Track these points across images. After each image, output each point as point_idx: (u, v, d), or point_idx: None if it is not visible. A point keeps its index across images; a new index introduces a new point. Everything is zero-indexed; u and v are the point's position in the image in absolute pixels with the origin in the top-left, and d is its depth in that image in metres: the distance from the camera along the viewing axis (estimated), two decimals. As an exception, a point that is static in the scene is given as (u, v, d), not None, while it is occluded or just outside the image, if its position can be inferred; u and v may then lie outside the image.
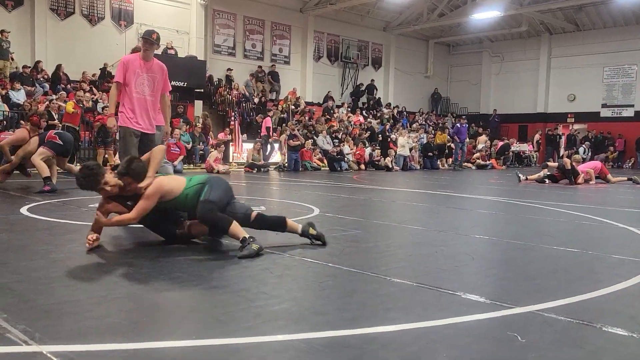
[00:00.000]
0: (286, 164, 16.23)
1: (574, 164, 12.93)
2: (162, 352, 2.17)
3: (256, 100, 20.60)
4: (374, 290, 3.12)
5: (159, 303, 2.88)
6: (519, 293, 3.15)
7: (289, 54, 23.44)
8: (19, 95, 14.16)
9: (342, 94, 25.20)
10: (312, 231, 4.36)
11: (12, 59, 15.53)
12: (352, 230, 5.24)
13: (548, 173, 13.42)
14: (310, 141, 17.47)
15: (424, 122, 25.36)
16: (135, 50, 6.28)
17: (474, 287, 3.25)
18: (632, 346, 2.36)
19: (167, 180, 4.21)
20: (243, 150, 17.13)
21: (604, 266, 3.95)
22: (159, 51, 17.20)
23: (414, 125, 23.68)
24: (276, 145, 17.27)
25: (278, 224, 4.36)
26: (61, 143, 8.16)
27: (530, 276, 3.59)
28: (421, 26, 26.05)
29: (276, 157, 17.11)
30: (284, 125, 18.34)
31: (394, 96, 26.86)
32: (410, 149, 19.10)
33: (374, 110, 24.56)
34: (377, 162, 18.49)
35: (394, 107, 25.24)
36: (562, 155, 17.00)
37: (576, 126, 26.40)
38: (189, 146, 15.25)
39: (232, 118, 17.96)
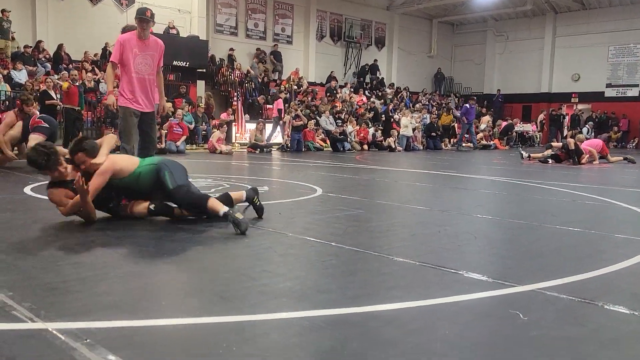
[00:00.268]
0: (289, 145, 16.20)
1: (577, 143, 12.88)
2: (167, 329, 2.19)
3: (259, 80, 20.49)
4: (376, 269, 3.13)
5: (163, 281, 2.91)
6: (522, 272, 3.16)
7: (292, 34, 23.24)
8: (20, 75, 14.13)
9: (344, 74, 25.03)
10: (255, 200, 4.50)
11: (13, 39, 15.45)
12: (355, 210, 5.24)
13: (552, 153, 13.39)
14: (313, 121, 17.41)
15: (427, 103, 25.23)
16: (126, 30, 6.25)
17: (477, 266, 3.26)
18: (633, 324, 2.37)
19: (120, 159, 4.33)
20: (246, 130, 17.09)
21: (606, 245, 3.96)
22: (160, 30, 17.13)
23: (417, 106, 23.55)
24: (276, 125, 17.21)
25: (229, 201, 4.37)
26: (47, 126, 8.46)
27: (533, 255, 3.60)
28: (425, 5, 25.76)
29: (279, 137, 17.07)
30: (286, 105, 18.26)
31: (397, 76, 26.69)
32: (413, 130, 19.03)
33: (377, 91, 24.42)
34: (379, 143, 18.45)
35: (396, 88, 25.08)
36: (566, 136, 16.94)
37: (580, 106, 26.22)
38: (192, 126, 15.22)
39: (235, 98, 17.89)
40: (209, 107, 17.21)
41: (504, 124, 23.20)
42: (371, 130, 18.82)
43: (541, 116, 25.64)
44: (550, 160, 13.11)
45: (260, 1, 22.06)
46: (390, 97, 23.52)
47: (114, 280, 2.79)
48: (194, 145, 15.35)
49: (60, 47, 16.15)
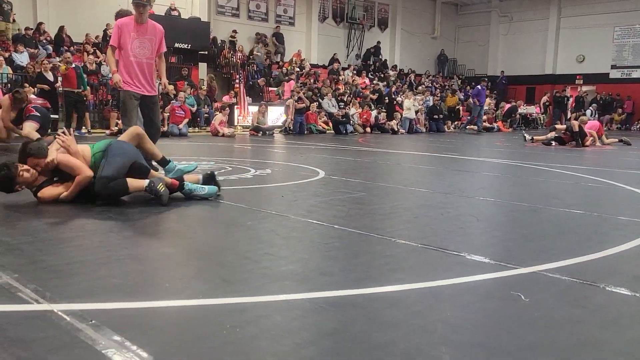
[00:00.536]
0: (291, 127, 16.13)
1: (581, 125, 12.83)
2: (171, 310, 2.20)
3: (264, 64, 20.36)
4: (379, 251, 3.15)
5: (166, 264, 2.92)
6: (524, 254, 3.17)
7: (294, 15, 23.04)
8: (22, 58, 14.07)
9: (347, 55, 24.85)
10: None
11: (14, 21, 15.35)
12: (358, 192, 5.25)
13: (556, 135, 13.34)
14: (315, 104, 17.32)
15: (430, 85, 25.09)
16: (119, 15, 6.23)
17: (479, 248, 3.27)
18: (634, 305, 2.38)
19: (73, 144, 4.36)
20: (248, 113, 17.02)
21: (609, 227, 3.96)
22: (161, 12, 17.00)
23: (420, 88, 23.42)
24: (282, 109, 17.11)
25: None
26: (38, 114, 8.83)
27: (535, 237, 3.60)
28: (428, -15, 25.49)
29: (280, 120, 17.00)
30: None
31: (400, 58, 26.49)
32: (416, 112, 18.95)
33: (380, 73, 24.27)
34: (382, 125, 18.38)
35: (399, 70, 24.89)
36: (570, 118, 16.82)
37: (585, 88, 26.03)
38: (194, 109, 15.17)
39: (237, 81, 17.81)
40: (211, 90, 17.13)
41: (508, 106, 23.06)
42: (374, 112, 18.74)
43: (545, 98, 25.48)
44: (553, 143, 13.07)
45: (262, -18, 21.85)
46: (393, 79, 23.36)
47: (117, 263, 2.81)
48: (197, 128, 15.32)
49: (61, 29, 16.04)
